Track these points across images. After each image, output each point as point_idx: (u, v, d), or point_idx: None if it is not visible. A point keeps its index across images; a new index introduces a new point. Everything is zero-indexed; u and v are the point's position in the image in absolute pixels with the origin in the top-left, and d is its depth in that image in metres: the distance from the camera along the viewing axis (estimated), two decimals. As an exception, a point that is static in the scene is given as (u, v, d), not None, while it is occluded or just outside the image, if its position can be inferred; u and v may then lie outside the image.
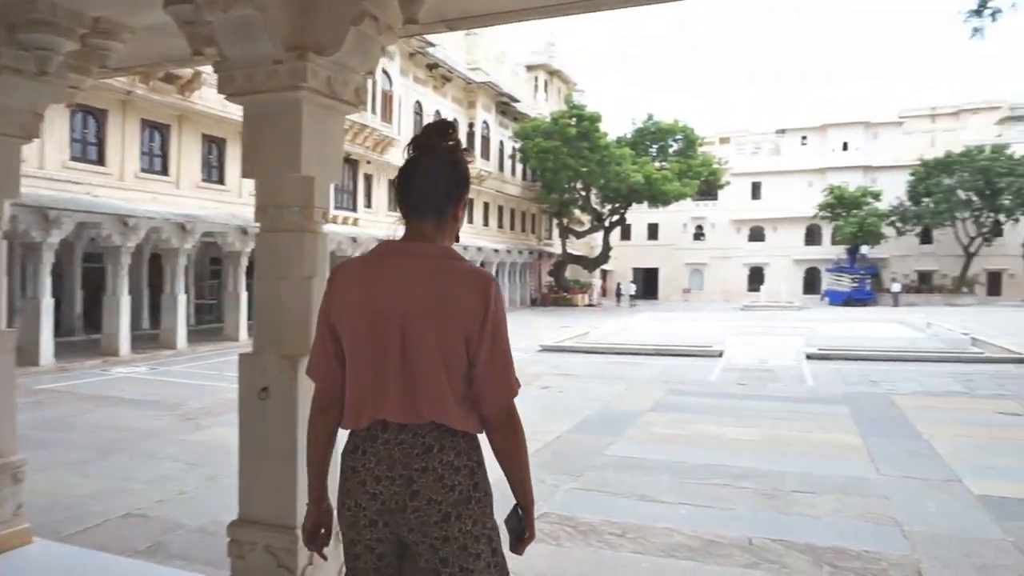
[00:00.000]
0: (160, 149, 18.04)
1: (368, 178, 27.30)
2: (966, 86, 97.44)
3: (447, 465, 1.56)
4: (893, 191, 43.96)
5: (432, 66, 30.30)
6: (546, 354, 17.42)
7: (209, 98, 18.24)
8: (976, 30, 18.59)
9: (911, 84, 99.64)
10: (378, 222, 27.72)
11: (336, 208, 25.00)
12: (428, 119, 30.92)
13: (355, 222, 26.00)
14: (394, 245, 1.67)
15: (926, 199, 42.08)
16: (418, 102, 30.28)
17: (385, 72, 26.48)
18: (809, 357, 16.26)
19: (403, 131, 28.97)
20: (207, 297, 26.72)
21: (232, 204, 19.25)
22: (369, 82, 22.64)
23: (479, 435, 1.65)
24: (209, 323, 24.20)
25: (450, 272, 1.60)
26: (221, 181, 19.93)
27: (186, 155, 18.57)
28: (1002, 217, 41.30)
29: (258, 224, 2.91)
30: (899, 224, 43.25)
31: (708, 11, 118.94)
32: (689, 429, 7.30)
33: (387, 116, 26.58)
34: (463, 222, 1.79)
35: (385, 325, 1.57)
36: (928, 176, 42.19)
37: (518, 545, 1.67)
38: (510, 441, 1.63)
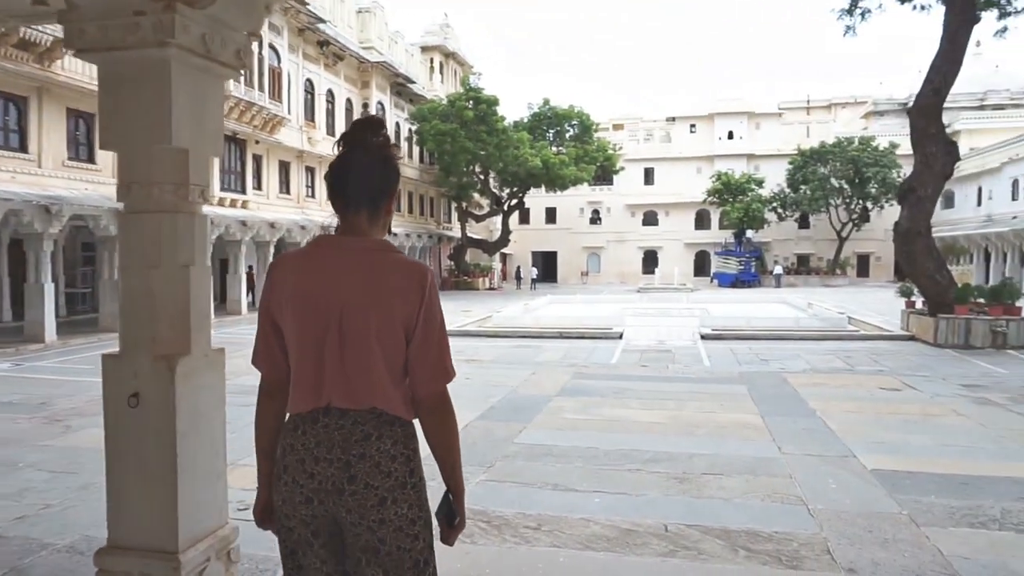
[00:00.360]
0: (17, 124, 16.30)
1: (257, 159, 25.94)
2: (839, 81, 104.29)
3: (384, 453, 1.62)
4: (774, 179, 46.41)
5: (323, 43, 29.07)
6: (448, 339, 17.09)
7: (74, 69, 16.64)
8: (848, 28, 19.76)
9: (791, 78, 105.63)
10: (270, 204, 26.44)
11: (223, 190, 23.61)
12: (320, 98, 29.82)
13: (244, 204, 24.65)
14: (331, 239, 1.72)
15: (803, 186, 44.66)
16: (309, 80, 29.02)
17: (273, 48, 25.16)
18: (704, 337, 16.83)
19: (294, 110, 27.71)
20: (80, 285, 24.63)
21: (105, 185, 17.70)
22: (256, 56, 21.46)
23: (415, 423, 1.70)
24: (83, 313, 22.34)
25: (387, 263, 1.66)
26: (91, 160, 18.30)
27: (48, 131, 16.89)
28: (869, 204, 44.47)
29: (122, 204, 2.48)
30: (780, 210, 45.74)
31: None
32: (598, 413, 7.26)
33: (276, 94, 25.31)
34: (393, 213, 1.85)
35: (325, 316, 1.63)
36: (805, 165, 44.78)
37: (450, 534, 1.74)
38: (444, 425, 1.71)
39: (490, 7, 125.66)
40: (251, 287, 27.60)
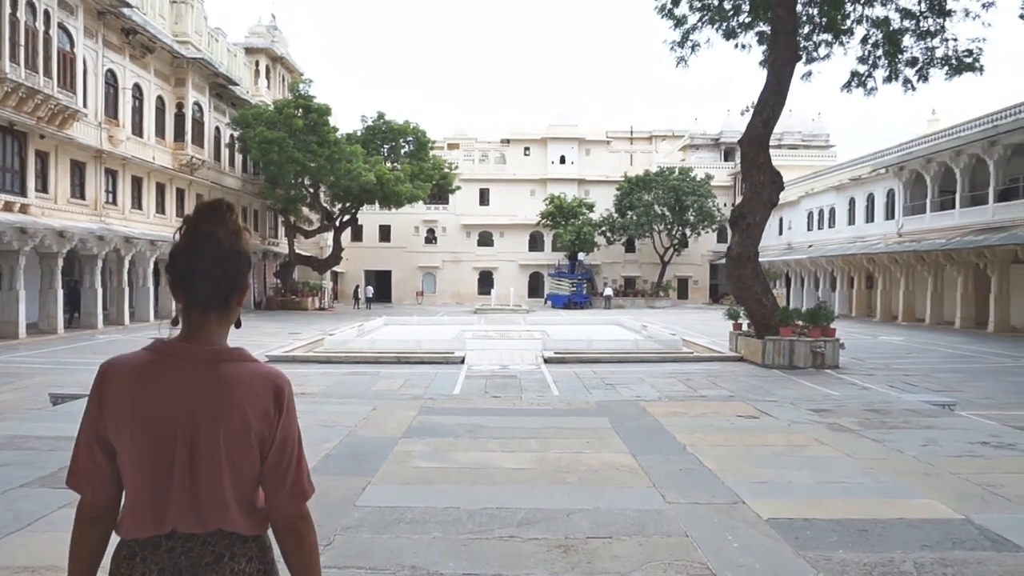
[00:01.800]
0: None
1: (43, 156, 22.34)
2: (661, 108, 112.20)
3: (240, 573, 1.53)
4: (603, 203, 48.30)
5: (129, 31, 25.91)
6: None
7: None
8: (681, 59, 20.57)
9: (618, 106, 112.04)
10: (58, 210, 22.86)
11: (-7, 191, 19.94)
12: (126, 92, 26.44)
13: (24, 208, 21.03)
14: (173, 347, 1.55)
15: (630, 212, 46.83)
16: (111, 71, 25.70)
17: (64, 28, 21.89)
18: (547, 361, 16.43)
19: (91, 103, 24.33)
20: None
21: None
22: (41, 36, 18.38)
23: (269, 534, 1.61)
24: None
25: (240, 376, 1.55)
26: None
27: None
28: (688, 231, 47.52)
29: None
30: (608, 234, 47.61)
31: (437, 13, 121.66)
32: (453, 459, 6.25)
33: (68, 83, 22.00)
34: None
35: (173, 437, 1.49)
36: (631, 191, 47.03)
37: None
38: (302, 545, 1.59)
39: (326, 17, 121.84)
40: (72, 305, 23.96)
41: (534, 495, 5.19)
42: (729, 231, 50.96)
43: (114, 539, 1.56)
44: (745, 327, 17.92)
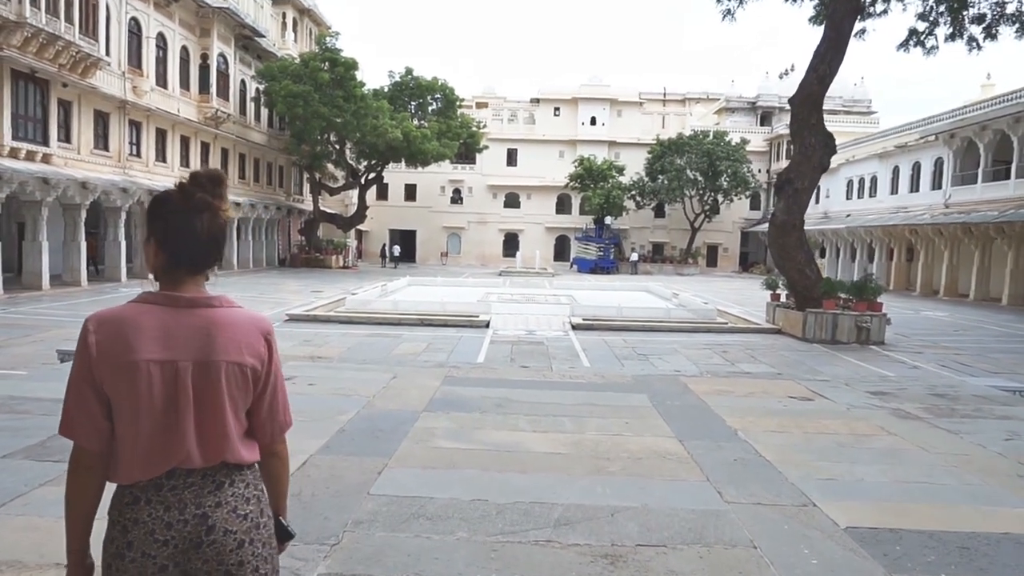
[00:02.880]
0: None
1: (65, 105, 21.89)
2: (694, 75, 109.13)
3: (239, 496, 1.67)
4: (634, 167, 46.96)
5: (153, -24, 25.09)
6: (294, 326, 14.94)
7: None
8: (728, 12, 19.38)
9: (651, 69, 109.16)
10: (81, 161, 22.48)
11: (16, 139, 19.57)
12: (149, 42, 25.78)
13: (46, 159, 20.69)
14: (162, 296, 1.65)
15: (661, 176, 45.48)
16: (134, 19, 25.04)
17: (85, -29, 21.14)
18: (575, 328, 15.78)
19: (114, 52, 23.74)
20: None
21: None
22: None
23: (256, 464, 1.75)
24: None
25: (234, 319, 1.68)
26: None
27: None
28: (720, 197, 46.11)
29: None
30: (638, 198, 46.37)
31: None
32: (480, 439, 5.65)
33: (90, 30, 21.39)
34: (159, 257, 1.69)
35: (173, 378, 1.60)
36: (663, 155, 45.60)
37: (281, 549, 1.82)
38: (283, 464, 1.83)
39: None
40: (93, 258, 23.90)
41: (572, 487, 4.57)
42: (766, 197, 49.26)
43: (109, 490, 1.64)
44: (783, 298, 17.06)
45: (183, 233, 1.63)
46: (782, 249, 15.26)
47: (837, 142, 16.01)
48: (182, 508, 1.60)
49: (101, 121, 23.79)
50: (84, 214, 22.06)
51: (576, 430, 6.00)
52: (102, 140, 23.94)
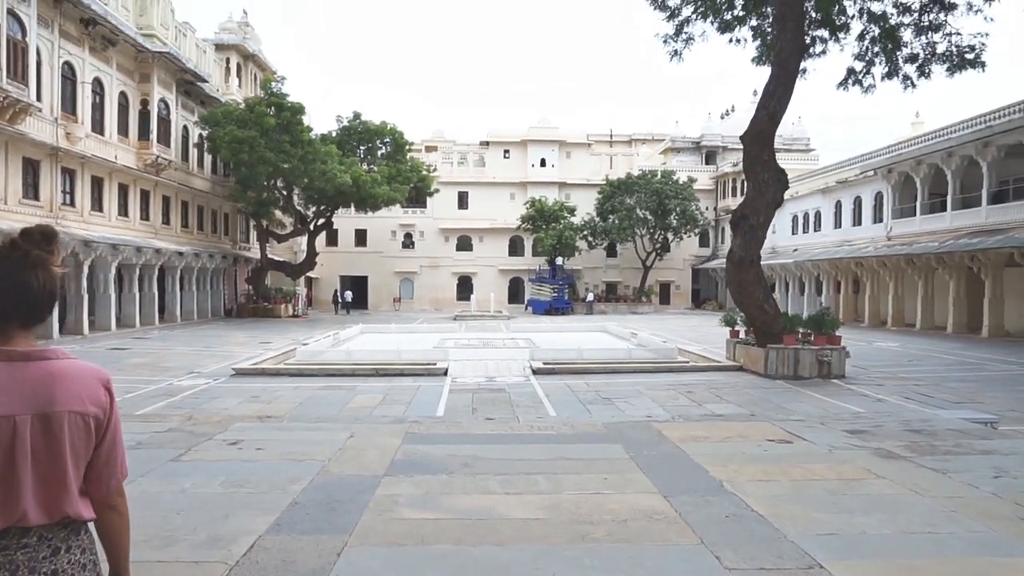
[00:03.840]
0: None
1: (-11, 154, 20.73)
2: (639, 114, 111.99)
3: (75, 564, 1.63)
4: (584, 207, 47.37)
5: (88, 21, 24.42)
6: (241, 380, 14.16)
7: None
8: (675, 52, 19.69)
9: (598, 108, 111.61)
10: (7, 211, 21.37)
11: (-64, 191, 18.39)
12: (85, 86, 24.89)
13: (-33, 211, 19.46)
14: (4, 351, 1.62)
15: (612, 216, 45.94)
16: (68, 64, 24.18)
17: (14, 15, 20.38)
18: (535, 372, 15.37)
19: (45, 97, 22.82)
20: None
21: None
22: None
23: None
24: None
25: (73, 371, 1.67)
26: None
27: None
28: (670, 235, 46.76)
29: None
30: (590, 238, 46.65)
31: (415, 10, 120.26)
32: (449, 505, 5.13)
33: (19, 74, 20.50)
34: None
35: (10, 433, 1.57)
36: (613, 195, 46.16)
37: None
38: (123, 518, 1.78)
39: (300, 12, 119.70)
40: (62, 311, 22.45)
41: (556, 560, 4.09)
42: (714, 234, 50.19)
43: None
44: (743, 334, 17.02)
45: (19, 289, 1.63)
46: (740, 285, 15.22)
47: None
48: (14, 571, 1.56)
49: (31, 169, 22.68)
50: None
51: (552, 489, 5.53)
52: (32, 189, 22.79)
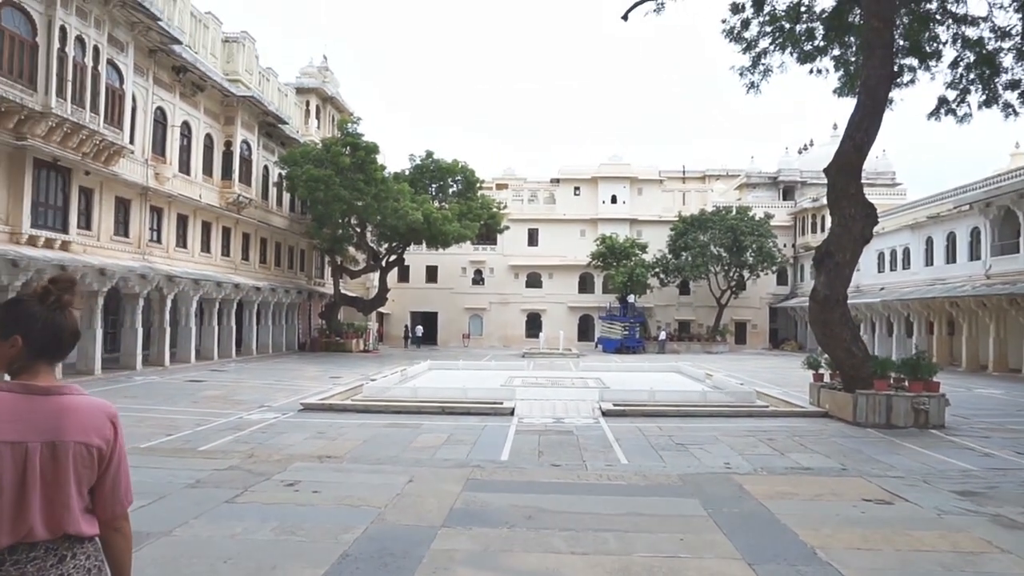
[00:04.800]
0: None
1: (87, 192, 21.95)
2: (713, 148, 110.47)
3: (80, 568, 1.81)
4: (656, 244, 46.51)
5: (179, 69, 25.70)
6: (308, 416, 14.11)
7: None
8: (752, 85, 19.10)
9: (670, 144, 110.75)
10: (100, 248, 22.34)
11: (37, 227, 19.48)
12: (174, 129, 26.11)
13: (64, 246, 20.53)
14: (25, 386, 1.85)
15: (685, 252, 44.88)
16: (160, 109, 25.44)
17: (113, 65, 21.61)
18: (605, 414, 14.75)
19: (139, 140, 24.01)
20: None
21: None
22: (89, 72, 17.99)
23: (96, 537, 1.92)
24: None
25: (82, 406, 1.89)
26: None
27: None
28: (746, 273, 45.26)
29: None
30: (662, 275, 45.64)
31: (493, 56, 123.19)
32: (508, 565, 4.70)
33: (115, 120, 21.64)
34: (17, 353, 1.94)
35: (22, 457, 1.77)
36: (686, 231, 45.15)
37: None
38: (126, 539, 1.98)
39: (370, 49, 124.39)
40: (146, 342, 24.26)
41: (628, 640, 3.59)
42: (792, 271, 48.37)
43: None
44: (827, 378, 15.96)
45: (49, 330, 1.90)
46: (825, 326, 14.29)
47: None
48: None
49: (122, 207, 23.83)
50: (101, 301, 21.76)
51: (622, 550, 5.02)
52: (122, 226, 23.91)
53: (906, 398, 13.63)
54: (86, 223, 21.97)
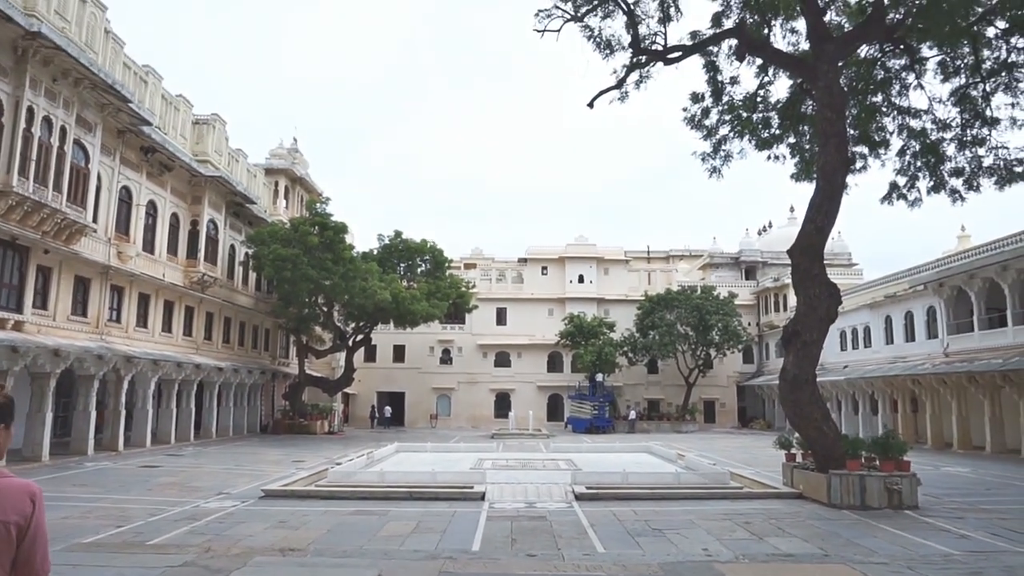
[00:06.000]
0: None
1: (44, 271, 21.43)
2: (677, 226, 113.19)
3: None
4: (623, 323, 46.86)
5: (148, 149, 25.77)
6: (269, 504, 13.51)
7: None
8: (714, 169, 19.77)
9: (633, 224, 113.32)
10: (56, 328, 21.67)
11: (-12, 307, 18.82)
12: (139, 209, 25.90)
13: (17, 326, 19.86)
14: None
15: (652, 331, 45.20)
16: (126, 188, 25.34)
17: (80, 144, 21.55)
18: (578, 497, 14.37)
19: (101, 219, 23.77)
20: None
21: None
22: (54, 151, 17.89)
23: None
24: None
25: (3, 488, 2.15)
26: None
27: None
28: (713, 351, 45.63)
29: None
30: (630, 354, 45.75)
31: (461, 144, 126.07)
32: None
33: (78, 198, 21.44)
34: (10, 438, 2.33)
35: None
36: (652, 310, 45.65)
37: None
38: None
39: (340, 129, 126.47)
40: (100, 426, 23.36)
41: None
42: (758, 350, 48.81)
43: None
44: (799, 458, 15.86)
45: None
46: (796, 405, 14.31)
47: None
48: None
49: (81, 286, 23.27)
50: (53, 383, 20.92)
51: (607, 651, 4.73)
52: (80, 306, 23.28)
53: (879, 478, 13.56)
54: (42, 302, 21.35)
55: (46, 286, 21.53)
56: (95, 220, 22.81)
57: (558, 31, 16.69)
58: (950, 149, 18.46)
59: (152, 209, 27.30)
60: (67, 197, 20.60)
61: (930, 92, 17.90)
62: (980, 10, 14.94)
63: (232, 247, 34.37)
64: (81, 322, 23.17)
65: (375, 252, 39.49)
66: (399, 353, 49.80)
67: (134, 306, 26.26)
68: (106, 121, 23.08)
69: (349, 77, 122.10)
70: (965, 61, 16.89)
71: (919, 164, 18.97)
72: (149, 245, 27.15)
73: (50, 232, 20.35)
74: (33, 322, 20.56)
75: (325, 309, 37.00)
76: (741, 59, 17.48)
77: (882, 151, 19.39)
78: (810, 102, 18.30)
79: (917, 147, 18.86)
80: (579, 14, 16.63)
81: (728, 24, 17.47)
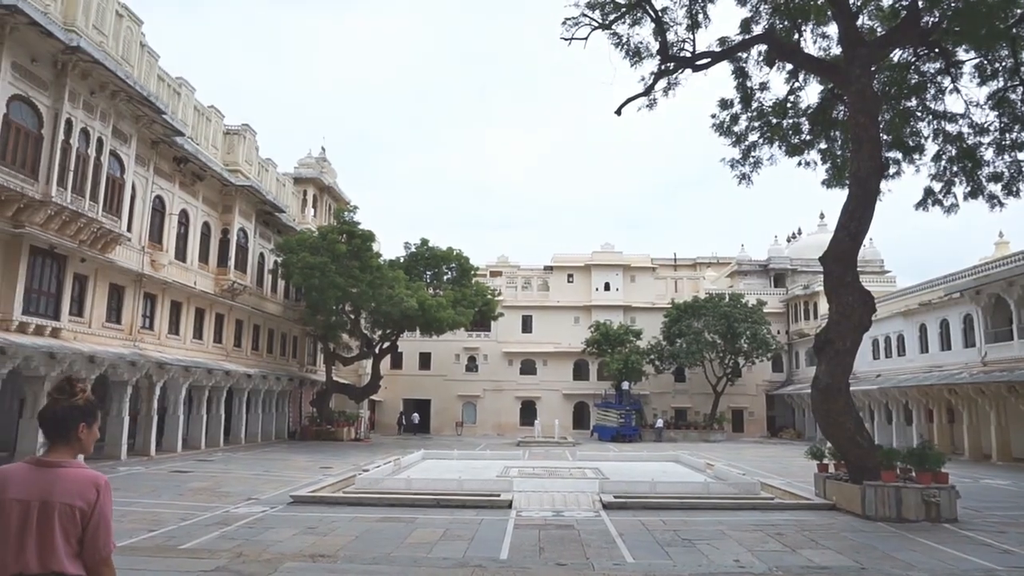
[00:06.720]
0: None
1: (81, 279, 21.86)
2: (705, 234, 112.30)
3: None
4: (650, 331, 46.50)
5: (180, 160, 26.21)
6: (298, 509, 13.59)
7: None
8: (743, 176, 19.58)
9: (663, 233, 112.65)
10: (91, 335, 22.07)
11: (28, 314, 19.28)
12: (172, 218, 26.35)
13: (55, 333, 20.28)
14: (34, 459, 2.59)
15: (679, 339, 44.79)
16: (159, 197, 25.78)
17: (115, 155, 21.98)
18: (606, 506, 14.26)
19: (136, 228, 24.19)
20: None
21: None
22: (91, 162, 18.31)
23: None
24: None
25: (72, 475, 2.54)
26: None
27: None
28: (741, 360, 45.06)
29: None
30: (657, 362, 45.37)
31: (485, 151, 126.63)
32: None
33: (114, 207, 21.86)
34: (95, 435, 2.78)
35: (25, 511, 2.46)
36: (680, 318, 45.23)
37: None
38: None
39: (368, 140, 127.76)
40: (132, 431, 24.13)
41: None
42: (787, 358, 48.05)
43: None
44: (832, 468, 15.57)
45: (41, 420, 2.73)
46: (828, 415, 14.04)
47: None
48: None
49: (116, 294, 23.71)
50: (88, 389, 21.30)
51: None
52: (115, 313, 23.73)
53: (916, 490, 13.23)
54: (78, 310, 21.79)
55: (82, 294, 21.98)
56: (129, 229, 23.25)
57: (586, 39, 16.68)
58: (988, 153, 18.07)
59: (184, 218, 27.77)
60: (103, 207, 21.04)
61: (967, 96, 17.56)
62: (1020, 12, 14.62)
63: (261, 255, 34.80)
64: (115, 329, 23.60)
65: (402, 260, 39.72)
66: (425, 360, 49.96)
67: (166, 313, 26.70)
68: (141, 132, 23.55)
69: (377, 87, 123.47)
70: (1004, 64, 16.53)
71: (955, 169, 18.58)
72: (181, 253, 27.60)
73: (87, 241, 20.78)
74: (70, 329, 20.99)
75: (352, 317, 37.26)
76: (771, 65, 17.34)
77: (916, 156, 19.02)
78: (842, 107, 18.06)
79: (953, 152, 18.49)
80: (607, 22, 16.61)
81: (757, 30, 17.33)
